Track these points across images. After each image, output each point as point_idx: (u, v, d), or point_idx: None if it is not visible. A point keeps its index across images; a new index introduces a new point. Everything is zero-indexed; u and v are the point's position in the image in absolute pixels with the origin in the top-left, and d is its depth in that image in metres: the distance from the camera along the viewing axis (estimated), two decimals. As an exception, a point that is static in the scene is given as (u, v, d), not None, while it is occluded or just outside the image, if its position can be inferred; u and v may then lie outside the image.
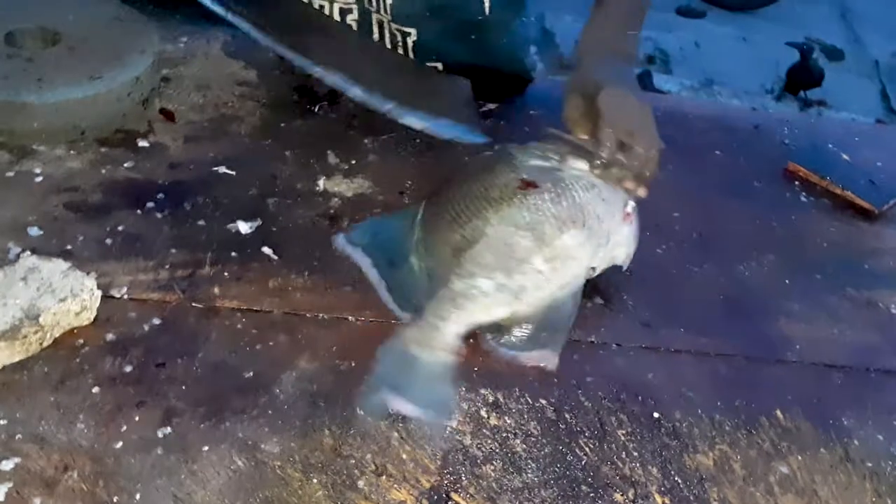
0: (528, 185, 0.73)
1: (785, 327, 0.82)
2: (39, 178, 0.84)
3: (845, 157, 1.07)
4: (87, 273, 0.71)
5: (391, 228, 0.78)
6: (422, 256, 0.73)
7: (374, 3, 1.01)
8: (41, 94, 0.85)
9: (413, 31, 1.02)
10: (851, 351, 0.81)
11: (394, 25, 1.02)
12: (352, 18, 1.04)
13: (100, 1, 1.00)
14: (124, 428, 0.64)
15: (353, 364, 0.71)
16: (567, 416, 0.71)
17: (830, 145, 1.09)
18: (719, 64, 3.23)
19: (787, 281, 0.88)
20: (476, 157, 0.83)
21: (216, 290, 0.76)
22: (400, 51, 1.05)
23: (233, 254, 0.80)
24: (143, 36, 0.96)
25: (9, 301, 0.67)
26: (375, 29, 1.04)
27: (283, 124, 0.97)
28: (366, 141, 0.97)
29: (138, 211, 0.82)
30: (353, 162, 0.93)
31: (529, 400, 0.71)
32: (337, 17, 1.03)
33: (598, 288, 0.82)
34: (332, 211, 0.87)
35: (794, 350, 0.80)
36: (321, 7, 1.03)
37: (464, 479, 0.65)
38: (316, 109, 1.01)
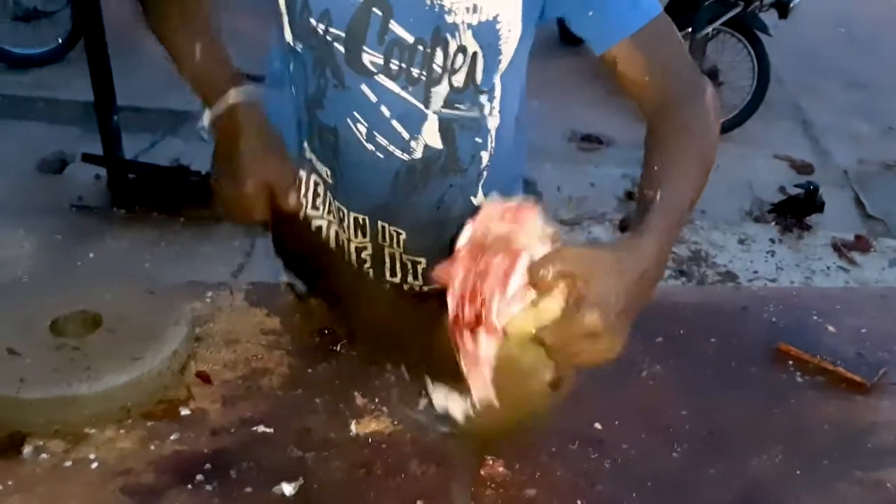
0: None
1: (803, 523, 0.88)
2: (94, 465, 0.90)
3: (831, 328, 1.15)
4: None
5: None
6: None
7: (388, 239, 1.12)
8: (91, 385, 0.93)
9: (423, 259, 1.14)
10: (868, 539, 0.86)
11: (405, 256, 1.14)
12: (366, 254, 1.15)
13: (131, 277, 1.10)
14: None
15: None
16: None
17: (815, 317, 1.17)
18: (696, 194, 3.38)
19: (797, 472, 0.93)
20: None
21: (271, 558, 0.81)
22: (410, 277, 1.15)
23: (281, 518, 0.85)
24: (176, 307, 1.05)
25: None
26: (388, 261, 1.15)
27: (309, 370, 1.05)
28: (386, 375, 1.04)
29: (189, 486, 0.88)
30: (377, 401, 1.00)
31: None
32: (353, 254, 1.14)
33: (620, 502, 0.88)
34: (366, 456, 0.93)
35: (815, 546, 0.85)
36: (339, 247, 1.14)
37: None
38: (337, 348, 1.09)
